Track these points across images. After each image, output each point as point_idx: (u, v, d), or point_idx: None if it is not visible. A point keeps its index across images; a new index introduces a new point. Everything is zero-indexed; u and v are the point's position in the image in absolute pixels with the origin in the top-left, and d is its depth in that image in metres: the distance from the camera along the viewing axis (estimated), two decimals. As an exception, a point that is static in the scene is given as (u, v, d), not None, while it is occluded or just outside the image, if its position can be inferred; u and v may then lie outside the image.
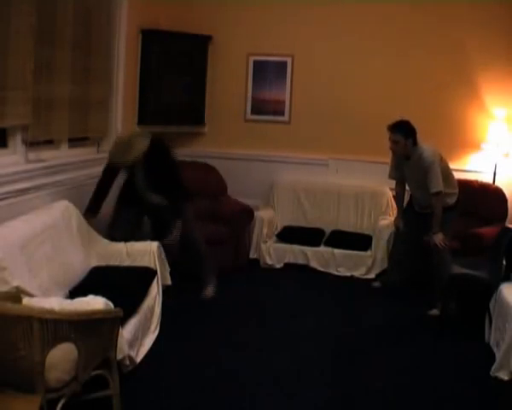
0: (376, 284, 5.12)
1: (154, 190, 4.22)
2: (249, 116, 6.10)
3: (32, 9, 3.37)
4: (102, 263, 3.85)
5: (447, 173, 4.51)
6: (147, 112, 5.58)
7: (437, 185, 4.35)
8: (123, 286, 3.35)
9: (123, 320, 2.93)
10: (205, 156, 5.91)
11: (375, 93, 5.72)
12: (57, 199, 3.81)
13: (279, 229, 5.77)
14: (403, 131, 4.42)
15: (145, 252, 3.96)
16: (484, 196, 5.23)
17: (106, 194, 4.22)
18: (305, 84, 5.94)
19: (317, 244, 5.49)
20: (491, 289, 3.87)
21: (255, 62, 6.02)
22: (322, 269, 5.40)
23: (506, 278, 3.89)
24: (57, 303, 2.59)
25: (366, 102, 5.74)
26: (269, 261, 5.50)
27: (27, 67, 3.37)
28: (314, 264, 5.43)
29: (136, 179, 4.21)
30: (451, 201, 4.55)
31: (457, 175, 4.77)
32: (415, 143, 4.45)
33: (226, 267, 5.16)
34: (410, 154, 4.50)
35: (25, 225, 3.19)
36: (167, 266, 4.11)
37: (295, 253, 5.49)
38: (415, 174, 4.55)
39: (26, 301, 2.58)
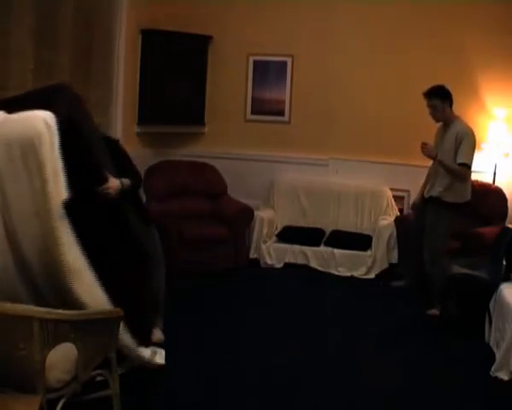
0: (398, 283, 5.02)
1: None
2: (249, 116, 6.09)
3: (32, 10, 3.38)
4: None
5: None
6: (147, 112, 5.59)
7: (464, 157, 4.24)
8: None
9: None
10: (205, 156, 5.91)
11: (375, 93, 5.72)
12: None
13: (279, 229, 5.76)
14: (439, 95, 4.36)
15: None
16: (484, 196, 5.22)
17: None
18: (305, 84, 5.93)
19: (317, 244, 5.48)
20: (491, 289, 3.87)
21: (255, 62, 6.02)
22: (322, 269, 5.39)
23: (506, 278, 3.90)
24: None
25: (366, 102, 5.74)
26: (269, 261, 5.50)
27: (27, 67, 3.38)
28: (314, 264, 5.43)
29: None
30: (453, 198, 4.37)
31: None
32: (451, 104, 4.38)
33: (226, 267, 5.17)
34: (449, 119, 4.41)
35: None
36: None
37: (295, 253, 5.48)
38: (447, 143, 4.37)
39: None
